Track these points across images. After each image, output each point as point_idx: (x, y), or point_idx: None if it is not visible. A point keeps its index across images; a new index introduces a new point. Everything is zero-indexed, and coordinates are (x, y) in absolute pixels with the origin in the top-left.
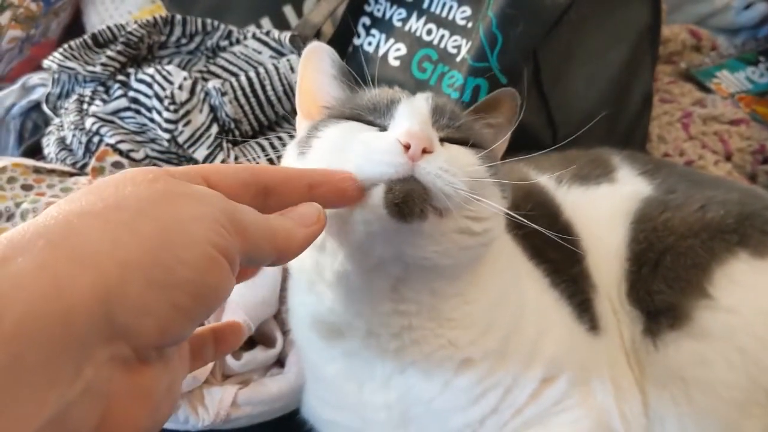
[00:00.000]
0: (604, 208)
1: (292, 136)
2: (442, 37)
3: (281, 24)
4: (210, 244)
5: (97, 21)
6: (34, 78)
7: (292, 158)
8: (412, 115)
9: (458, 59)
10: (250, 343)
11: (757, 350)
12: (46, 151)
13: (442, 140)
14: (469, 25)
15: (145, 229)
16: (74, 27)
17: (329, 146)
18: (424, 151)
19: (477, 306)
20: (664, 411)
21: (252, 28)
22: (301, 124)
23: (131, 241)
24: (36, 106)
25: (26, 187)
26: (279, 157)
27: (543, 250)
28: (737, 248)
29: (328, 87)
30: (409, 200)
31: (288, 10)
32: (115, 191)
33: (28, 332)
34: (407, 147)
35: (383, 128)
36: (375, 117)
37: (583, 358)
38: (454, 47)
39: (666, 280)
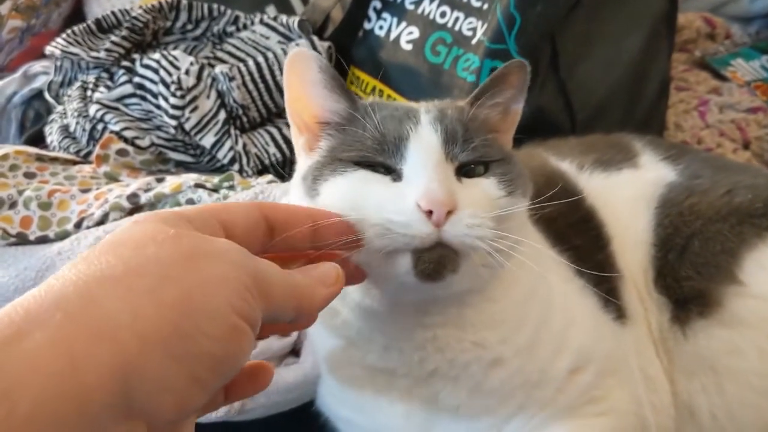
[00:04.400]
0: (628, 194)
1: None
2: (457, 19)
3: (286, 11)
4: (234, 311)
5: (98, 11)
6: (36, 66)
7: (298, 197)
8: (426, 162)
9: (474, 42)
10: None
11: None
12: (48, 140)
13: (459, 170)
14: (485, 6)
15: (168, 297)
16: (75, 18)
17: (341, 203)
18: (448, 213)
19: (505, 303)
20: (693, 401)
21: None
22: (298, 140)
23: (152, 311)
24: (38, 95)
25: (29, 175)
26: (288, 143)
27: (566, 236)
28: (767, 233)
29: (320, 99)
30: (440, 267)
31: None
32: (135, 252)
33: (42, 415)
34: (429, 212)
35: (396, 173)
36: (385, 158)
37: (610, 348)
38: (469, 29)
39: (694, 265)
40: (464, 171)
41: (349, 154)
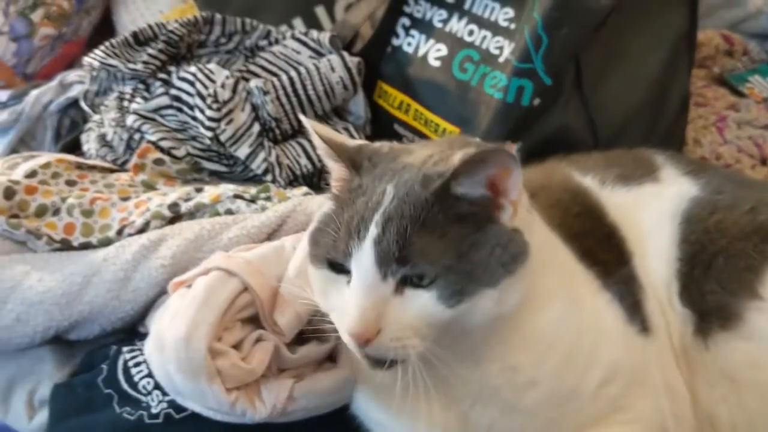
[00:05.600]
0: (650, 208)
1: None
2: (484, 38)
3: (313, 25)
4: None
5: (127, 20)
6: (72, 75)
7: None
8: (359, 287)
9: (501, 60)
10: (301, 336)
11: None
12: (85, 148)
13: (403, 280)
14: (512, 26)
15: None
16: (104, 26)
17: (317, 294)
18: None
19: (535, 328)
20: (714, 411)
21: (288, 28)
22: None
23: None
24: (73, 103)
25: (70, 183)
26: (320, 158)
27: (593, 252)
28: None
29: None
30: (377, 366)
31: (320, 11)
32: None
33: None
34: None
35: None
36: (344, 261)
37: (636, 359)
38: (496, 48)
39: (719, 281)
40: (410, 280)
41: (321, 251)
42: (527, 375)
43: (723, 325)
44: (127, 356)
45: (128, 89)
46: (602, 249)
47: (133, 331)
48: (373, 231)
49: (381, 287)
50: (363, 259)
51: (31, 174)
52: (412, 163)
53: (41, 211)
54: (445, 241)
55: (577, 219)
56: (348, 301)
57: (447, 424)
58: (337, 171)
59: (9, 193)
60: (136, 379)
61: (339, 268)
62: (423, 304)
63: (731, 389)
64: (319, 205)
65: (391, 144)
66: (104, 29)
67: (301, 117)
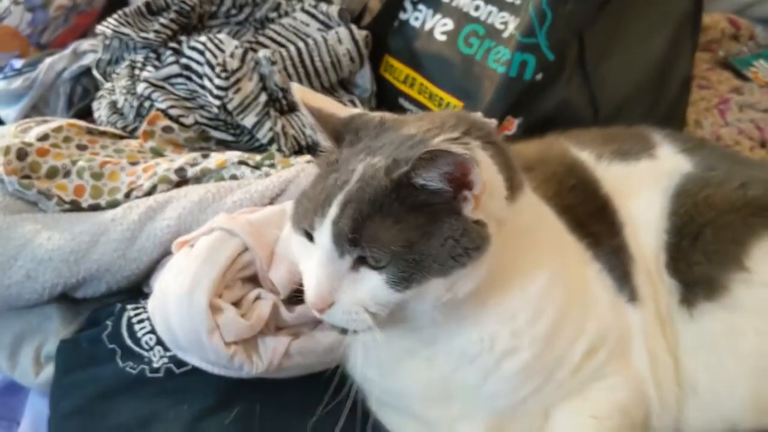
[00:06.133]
0: (644, 183)
1: None
2: (490, 13)
3: None
4: None
5: None
6: (85, 44)
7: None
8: (317, 261)
9: (505, 35)
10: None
11: None
12: (96, 115)
13: (359, 260)
14: (517, 2)
15: None
16: None
17: (295, 257)
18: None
19: (517, 300)
20: (696, 377)
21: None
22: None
23: None
24: (86, 72)
25: (81, 147)
26: None
27: (585, 224)
28: None
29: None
30: (336, 330)
31: None
32: None
33: None
34: None
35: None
36: (311, 233)
37: (623, 328)
38: (501, 23)
39: (705, 252)
40: (366, 260)
41: (297, 218)
42: (506, 343)
43: (708, 295)
44: (131, 313)
45: (140, 58)
46: (595, 221)
47: (137, 291)
48: (333, 210)
49: (338, 263)
50: (323, 235)
51: (43, 137)
52: (392, 141)
53: (52, 173)
54: (399, 229)
55: (571, 192)
56: (308, 270)
57: (431, 382)
58: (322, 141)
59: (21, 155)
60: (139, 335)
61: (310, 236)
62: (374, 284)
63: (713, 357)
64: None
65: (384, 115)
66: (117, 1)
67: (293, 85)
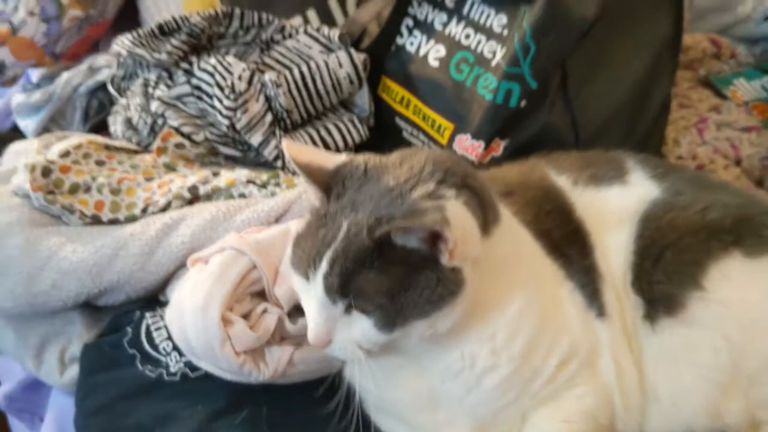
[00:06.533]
0: (615, 208)
1: (337, 126)
2: (479, 41)
3: (327, 16)
4: None
5: (150, 3)
6: (100, 60)
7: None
8: (314, 308)
9: (493, 63)
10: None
11: (742, 340)
12: (111, 129)
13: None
14: (505, 32)
15: None
16: (128, 8)
17: (297, 293)
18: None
19: (497, 321)
20: (657, 387)
21: (300, 21)
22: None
23: None
24: (101, 87)
25: (99, 163)
26: (326, 145)
27: (560, 246)
28: (732, 248)
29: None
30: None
31: (333, 3)
32: None
33: None
34: None
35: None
36: (306, 280)
37: (592, 341)
38: (489, 52)
39: (666, 272)
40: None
41: (293, 263)
42: (486, 361)
43: (668, 312)
44: (150, 321)
45: (153, 76)
46: (568, 243)
47: (154, 299)
48: (324, 266)
49: (331, 308)
50: (316, 286)
51: (65, 154)
52: (372, 195)
53: (74, 189)
54: (381, 282)
55: (548, 216)
56: (308, 313)
57: (419, 392)
58: (313, 192)
59: (46, 172)
60: (157, 341)
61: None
62: (364, 327)
63: (673, 368)
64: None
65: (368, 162)
66: (128, 12)
67: (283, 143)
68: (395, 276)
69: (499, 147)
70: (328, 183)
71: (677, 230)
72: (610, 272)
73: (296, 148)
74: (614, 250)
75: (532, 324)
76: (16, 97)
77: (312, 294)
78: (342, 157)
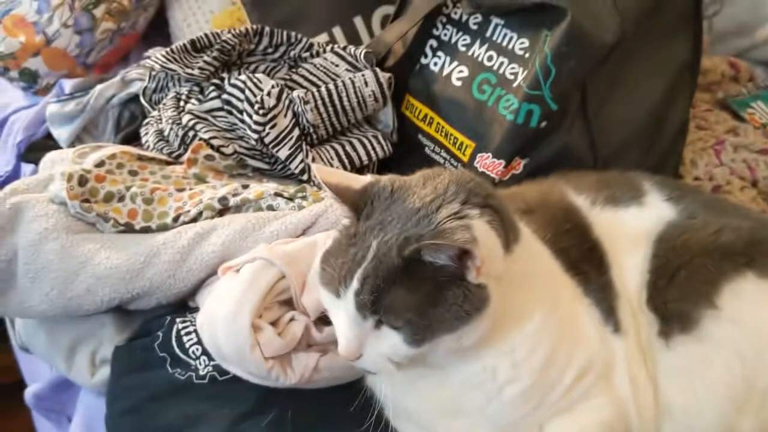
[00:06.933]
0: (632, 228)
1: (361, 142)
2: (502, 63)
3: (352, 34)
4: None
5: (180, 17)
6: (133, 73)
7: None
8: (344, 322)
9: (515, 85)
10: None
11: (754, 358)
12: (143, 140)
13: (379, 321)
14: (527, 55)
15: None
16: (158, 21)
17: (326, 308)
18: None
19: (516, 335)
20: (671, 401)
21: (326, 38)
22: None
23: None
24: (133, 98)
25: (132, 173)
26: (350, 159)
27: (577, 263)
28: (745, 269)
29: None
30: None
31: (358, 21)
32: None
33: None
34: None
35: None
36: (337, 297)
37: (608, 355)
38: (511, 74)
39: (680, 291)
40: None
41: (323, 280)
42: (507, 374)
43: (682, 329)
44: (180, 326)
45: (184, 90)
46: (585, 261)
47: (184, 304)
48: (355, 284)
49: (362, 324)
50: (347, 303)
51: (100, 164)
52: (400, 215)
53: (108, 198)
54: (410, 299)
55: (567, 234)
56: (339, 328)
57: (440, 401)
58: (343, 211)
59: (82, 181)
60: (187, 345)
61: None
62: (393, 342)
63: (686, 382)
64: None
65: (393, 182)
66: (158, 24)
67: (313, 166)
68: (424, 293)
69: (520, 166)
70: (356, 203)
71: (691, 251)
72: (625, 290)
73: (326, 171)
74: (630, 268)
75: (550, 338)
76: (51, 106)
77: (342, 310)
78: (368, 178)
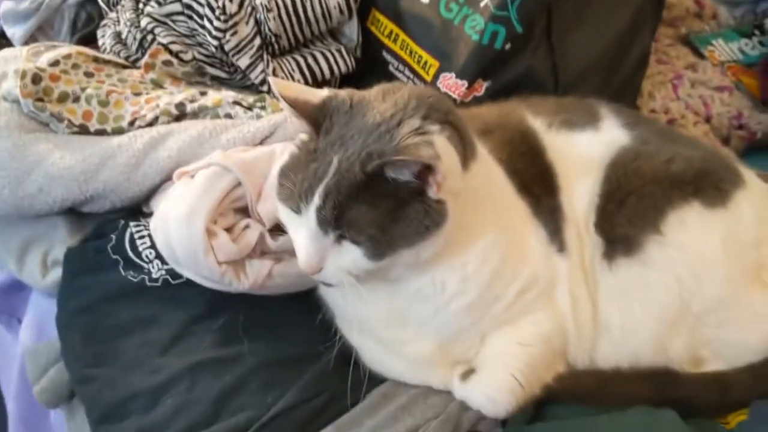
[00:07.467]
0: (585, 152)
1: (324, 55)
2: None
3: None
4: None
5: None
6: None
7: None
8: (305, 236)
9: (482, 4)
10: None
11: (692, 283)
12: (100, 42)
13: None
14: None
15: None
16: None
17: (284, 223)
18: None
19: (468, 252)
20: (609, 319)
21: None
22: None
23: None
24: None
25: (88, 74)
26: (312, 72)
27: (529, 185)
28: (692, 198)
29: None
30: (324, 284)
31: None
32: None
33: None
34: None
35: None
36: (297, 213)
37: (551, 273)
38: None
39: (628, 216)
40: (346, 236)
41: (281, 196)
42: (455, 287)
43: (626, 252)
44: (134, 229)
45: None
46: (537, 184)
47: (138, 210)
48: (316, 200)
49: (323, 239)
50: (309, 219)
51: (55, 63)
52: (361, 130)
53: (63, 98)
54: (372, 214)
55: (522, 157)
56: (298, 242)
57: (389, 311)
58: (301, 126)
59: (36, 79)
60: (140, 249)
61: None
62: (354, 256)
63: (625, 303)
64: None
65: (352, 97)
66: None
67: (270, 79)
68: (385, 208)
69: (482, 87)
70: (315, 117)
71: (642, 178)
72: (573, 213)
73: (283, 84)
74: (581, 192)
75: (499, 256)
76: (5, 4)
77: (303, 226)
78: (326, 92)
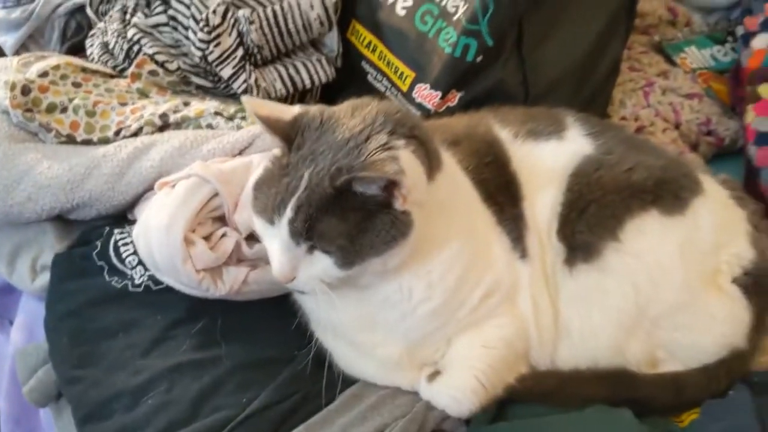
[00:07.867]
0: (549, 161)
1: (305, 65)
2: None
3: None
4: None
5: None
6: None
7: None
8: (279, 247)
9: (455, 18)
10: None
11: (648, 289)
12: (88, 52)
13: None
14: None
15: None
16: None
17: (259, 234)
18: None
19: (434, 261)
20: (570, 323)
21: None
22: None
23: None
24: (80, 8)
25: (76, 84)
26: (293, 82)
27: (494, 195)
28: (650, 206)
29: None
30: (297, 291)
31: None
32: None
33: None
34: None
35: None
36: (271, 225)
37: (513, 279)
38: (453, 6)
39: (588, 224)
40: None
41: (256, 208)
42: (421, 294)
43: (586, 258)
44: (118, 237)
45: (131, 3)
46: (501, 193)
47: (122, 216)
48: (288, 213)
49: (295, 249)
50: (281, 230)
51: (44, 74)
52: (330, 145)
53: (51, 108)
54: (342, 226)
55: (487, 166)
56: (272, 252)
57: (360, 317)
58: (274, 142)
59: (25, 90)
60: (124, 255)
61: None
62: (325, 265)
63: (584, 308)
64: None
65: (323, 113)
66: None
67: (243, 98)
68: (353, 220)
69: (455, 98)
70: (287, 134)
71: (603, 187)
72: (535, 222)
73: (255, 103)
74: (544, 201)
75: (464, 263)
76: None
77: (276, 237)
78: (297, 109)
